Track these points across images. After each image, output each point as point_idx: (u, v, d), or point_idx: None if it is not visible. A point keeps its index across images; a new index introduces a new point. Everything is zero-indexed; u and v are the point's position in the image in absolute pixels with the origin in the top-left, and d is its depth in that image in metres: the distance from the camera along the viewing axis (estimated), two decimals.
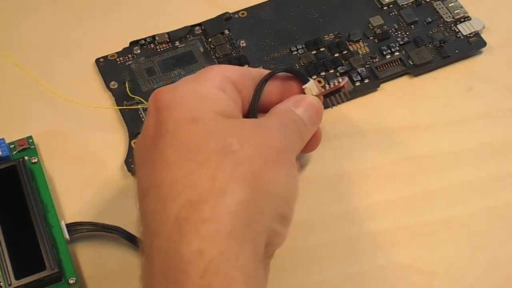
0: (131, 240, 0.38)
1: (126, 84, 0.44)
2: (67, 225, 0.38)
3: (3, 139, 0.41)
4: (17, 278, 0.36)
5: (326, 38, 0.46)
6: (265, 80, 0.36)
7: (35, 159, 0.40)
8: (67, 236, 0.38)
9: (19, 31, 0.48)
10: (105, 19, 0.48)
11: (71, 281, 0.36)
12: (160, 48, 0.46)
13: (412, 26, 0.47)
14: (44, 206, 0.39)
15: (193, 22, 0.47)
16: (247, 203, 0.29)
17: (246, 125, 0.33)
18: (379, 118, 0.43)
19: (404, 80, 0.45)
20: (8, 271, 0.36)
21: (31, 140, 0.41)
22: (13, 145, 0.41)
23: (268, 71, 0.36)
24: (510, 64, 0.45)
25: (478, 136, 0.42)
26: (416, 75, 0.45)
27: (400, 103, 0.44)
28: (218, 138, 0.30)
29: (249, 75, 0.36)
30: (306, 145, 0.36)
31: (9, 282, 0.35)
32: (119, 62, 0.46)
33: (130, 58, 0.46)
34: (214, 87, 0.33)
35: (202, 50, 0.46)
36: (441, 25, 0.47)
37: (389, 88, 0.45)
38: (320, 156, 0.41)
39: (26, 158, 0.40)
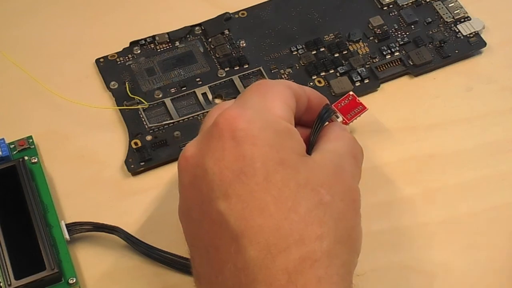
0: (130, 240, 0.38)
1: (126, 84, 0.44)
2: (67, 225, 0.38)
3: (3, 139, 0.41)
4: (17, 278, 0.36)
5: (326, 38, 0.46)
6: (323, 121, 0.36)
7: (35, 159, 0.40)
8: (67, 236, 0.38)
9: (19, 31, 0.48)
10: (105, 19, 0.48)
11: (71, 281, 0.36)
12: (160, 48, 0.46)
13: (412, 26, 0.47)
14: (44, 206, 0.39)
15: (193, 22, 0.47)
16: (348, 265, 0.31)
17: (325, 168, 0.32)
18: (379, 118, 0.43)
19: (404, 80, 0.45)
20: (8, 271, 0.36)
21: (31, 140, 0.41)
22: (13, 145, 0.41)
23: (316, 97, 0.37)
24: (510, 64, 0.45)
25: (478, 136, 0.42)
26: (416, 75, 0.45)
27: (400, 103, 0.44)
28: (311, 189, 0.31)
29: (297, 96, 0.35)
30: None
31: (9, 282, 0.35)
32: (119, 62, 0.46)
33: (130, 58, 0.46)
34: (284, 118, 0.33)
35: (202, 50, 0.46)
36: (441, 25, 0.47)
37: (389, 88, 0.45)
38: None
39: (26, 158, 0.40)
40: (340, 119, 0.39)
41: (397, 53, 0.46)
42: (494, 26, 0.47)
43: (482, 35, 0.46)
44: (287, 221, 0.30)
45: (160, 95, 0.44)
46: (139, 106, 0.43)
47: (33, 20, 0.48)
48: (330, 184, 0.32)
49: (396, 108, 0.44)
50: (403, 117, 0.43)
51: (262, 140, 0.31)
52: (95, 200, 0.40)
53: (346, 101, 0.40)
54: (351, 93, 0.40)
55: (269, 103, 0.33)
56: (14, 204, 0.38)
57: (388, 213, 0.39)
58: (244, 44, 0.46)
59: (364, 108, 0.40)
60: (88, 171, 0.41)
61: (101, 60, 0.46)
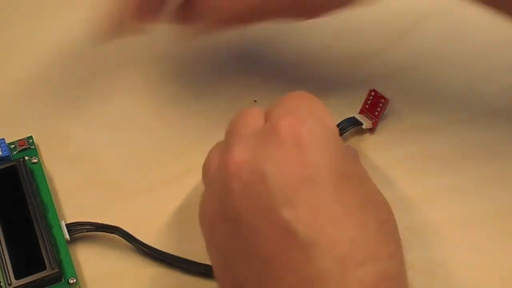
0: (131, 239, 0.38)
1: None
2: (67, 225, 0.38)
3: (3, 139, 0.41)
4: (17, 278, 0.35)
5: None
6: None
7: (35, 159, 0.40)
8: (67, 236, 0.38)
9: (20, 30, 0.48)
10: None
11: (71, 281, 0.36)
12: None
13: None
14: (44, 206, 0.39)
15: None
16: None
17: (374, 186, 0.33)
18: (379, 118, 0.43)
19: (404, 80, 0.45)
20: (8, 270, 0.36)
21: (31, 140, 0.41)
22: (13, 145, 0.41)
23: None
24: (510, 64, 0.45)
25: (478, 136, 0.42)
26: None
27: (400, 103, 0.44)
28: (373, 206, 0.31)
29: None
30: None
31: (9, 282, 0.35)
32: None
33: None
34: (335, 129, 0.34)
35: None
36: None
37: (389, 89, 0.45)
38: None
39: (26, 158, 0.40)
40: (364, 125, 0.40)
41: None
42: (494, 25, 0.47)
43: None
44: (360, 235, 0.29)
45: None
46: None
47: (33, 19, 0.48)
48: (382, 202, 0.32)
49: (396, 108, 0.44)
50: (403, 117, 0.43)
51: (326, 148, 0.31)
52: (95, 200, 0.40)
53: (370, 98, 0.40)
54: (372, 88, 0.40)
55: (321, 114, 0.33)
56: (15, 204, 0.38)
57: None
58: None
59: (386, 101, 0.40)
60: (88, 171, 0.41)
61: None
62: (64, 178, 0.41)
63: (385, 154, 0.42)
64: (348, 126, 0.40)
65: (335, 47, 0.46)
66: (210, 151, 0.35)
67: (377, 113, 0.40)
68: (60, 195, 0.40)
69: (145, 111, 0.44)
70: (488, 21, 0.47)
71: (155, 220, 0.39)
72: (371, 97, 0.41)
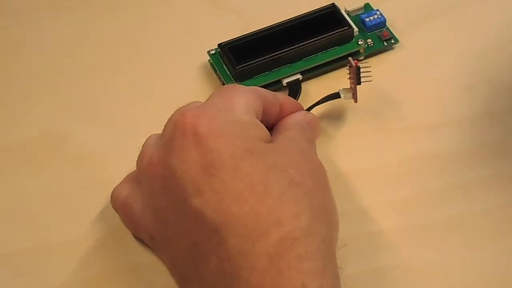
0: None
1: None
2: None
3: None
4: None
5: None
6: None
7: None
8: None
9: (21, 30, 0.48)
10: (107, 20, 0.49)
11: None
12: None
13: None
14: None
15: None
16: (329, 241, 0.32)
17: (291, 150, 0.34)
18: (379, 118, 0.43)
19: (403, 79, 0.45)
20: None
21: None
22: None
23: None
24: (510, 64, 0.45)
25: (478, 136, 0.42)
26: None
27: (400, 103, 0.44)
28: (281, 170, 0.32)
29: (266, 102, 0.36)
30: None
31: None
32: None
33: None
34: (245, 113, 0.34)
35: None
36: None
37: (387, 87, 0.45)
38: (319, 156, 0.41)
39: None
40: (343, 96, 0.40)
41: None
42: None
43: None
44: (263, 205, 0.30)
45: None
46: None
47: (34, 19, 0.49)
48: (298, 164, 0.33)
49: (395, 108, 0.44)
50: (403, 117, 0.43)
51: (226, 133, 0.32)
52: (95, 200, 0.40)
53: (348, 71, 0.40)
54: (350, 60, 0.40)
55: (232, 102, 0.34)
56: None
57: (388, 213, 0.39)
58: None
59: (352, 67, 0.40)
60: (88, 171, 0.41)
61: None
62: (65, 178, 0.41)
63: (385, 153, 0.42)
64: (327, 100, 0.41)
65: None
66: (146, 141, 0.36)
67: (351, 80, 0.40)
68: (60, 195, 0.40)
69: (146, 110, 0.44)
70: (489, 20, 0.47)
71: None
72: (349, 69, 0.40)
